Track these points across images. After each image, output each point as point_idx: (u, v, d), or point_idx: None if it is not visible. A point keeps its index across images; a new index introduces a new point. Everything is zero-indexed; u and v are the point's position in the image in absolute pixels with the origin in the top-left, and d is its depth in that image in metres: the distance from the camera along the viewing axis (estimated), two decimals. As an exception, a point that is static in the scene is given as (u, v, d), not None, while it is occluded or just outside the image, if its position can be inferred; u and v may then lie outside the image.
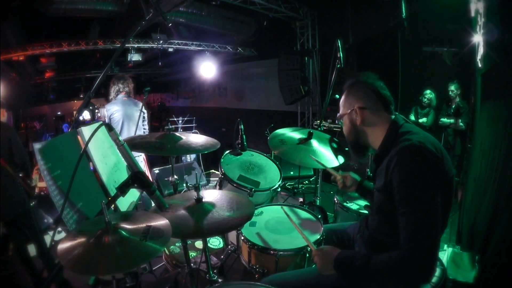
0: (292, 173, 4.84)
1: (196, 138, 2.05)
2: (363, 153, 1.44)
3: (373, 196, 1.39)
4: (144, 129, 3.61)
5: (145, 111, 3.60)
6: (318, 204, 2.78)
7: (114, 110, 3.42)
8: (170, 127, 2.01)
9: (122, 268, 1.00)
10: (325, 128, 5.14)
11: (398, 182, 1.13)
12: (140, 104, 3.51)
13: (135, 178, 1.14)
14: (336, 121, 1.49)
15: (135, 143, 1.93)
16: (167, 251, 2.39)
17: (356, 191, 1.70)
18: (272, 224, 1.83)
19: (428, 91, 4.59)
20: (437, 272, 1.36)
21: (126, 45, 5.88)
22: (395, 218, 1.16)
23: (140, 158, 3.53)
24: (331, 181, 1.78)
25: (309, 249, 1.54)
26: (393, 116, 1.33)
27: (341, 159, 2.03)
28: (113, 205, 1.26)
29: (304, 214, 1.93)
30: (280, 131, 2.28)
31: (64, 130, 8.66)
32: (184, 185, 2.20)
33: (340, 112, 1.46)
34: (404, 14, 3.98)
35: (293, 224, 1.54)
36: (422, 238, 1.05)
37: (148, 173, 3.80)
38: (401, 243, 1.10)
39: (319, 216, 1.85)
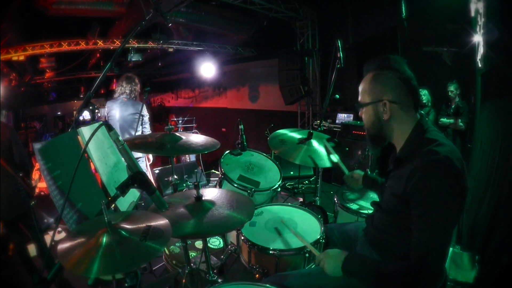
0: (292, 173, 4.83)
1: (196, 138, 2.05)
2: (381, 145, 1.34)
3: (382, 194, 1.36)
4: (144, 133, 3.51)
5: (146, 113, 3.51)
6: (318, 204, 2.78)
7: (112, 109, 3.41)
8: (170, 127, 2.01)
9: (122, 268, 1.00)
10: (325, 128, 5.16)
11: (421, 197, 1.08)
12: (140, 106, 3.45)
13: (135, 178, 1.14)
14: (355, 107, 1.37)
15: (135, 143, 1.93)
16: (167, 251, 2.39)
17: (362, 184, 1.77)
18: (272, 224, 1.83)
19: (425, 91, 4.59)
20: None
21: (126, 45, 5.88)
22: (405, 221, 1.15)
23: (143, 158, 3.51)
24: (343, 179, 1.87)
25: (308, 249, 1.54)
26: (418, 116, 1.24)
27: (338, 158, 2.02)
28: (113, 205, 1.26)
29: (304, 214, 1.93)
30: (280, 131, 2.28)
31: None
32: (184, 184, 2.21)
33: (362, 99, 1.30)
34: (404, 14, 3.98)
35: (294, 233, 1.57)
36: (435, 256, 1.05)
37: (149, 173, 3.78)
38: (411, 255, 1.09)
39: (319, 216, 1.85)
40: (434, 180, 1.06)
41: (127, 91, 3.44)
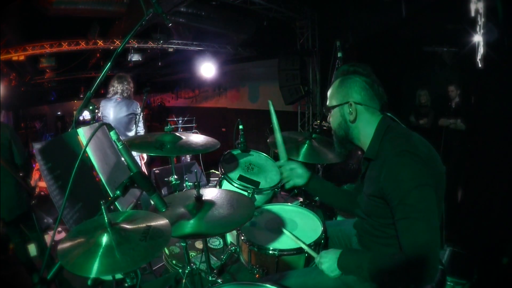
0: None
1: (196, 138, 2.05)
2: (348, 148, 1.39)
3: (362, 201, 1.35)
4: (138, 132, 3.52)
5: (140, 112, 3.51)
6: (318, 204, 2.78)
7: (106, 108, 3.41)
8: (170, 127, 2.01)
9: (122, 268, 1.00)
10: (324, 128, 5.16)
11: (394, 186, 1.10)
12: (135, 105, 3.44)
13: (135, 178, 1.15)
14: (324, 111, 1.44)
15: (135, 143, 1.93)
16: (167, 251, 2.39)
17: (304, 187, 1.58)
18: (272, 224, 1.83)
19: (425, 91, 4.59)
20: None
21: (126, 45, 5.88)
22: (388, 220, 1.16)
23: (137, 157, 3.51)
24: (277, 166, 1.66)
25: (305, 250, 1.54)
26: (381, 116, 1.29)
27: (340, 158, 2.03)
28: (113, 205, 1.26)
29: (304, 214, 1.93)
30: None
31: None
32: (185, 184, 2.21)
33: (329, 103, 1.35)
34: (404, 14, 3.98)
35: (292, 238, 1.55)
36: (423, 241, 1.04)
37: (145, 171, 3.78)
38: (402, 247, 1.09)
39: (319, 216, 1.85)
40: (403, 167, 1.09)
41: (119, 91, 3.44)
